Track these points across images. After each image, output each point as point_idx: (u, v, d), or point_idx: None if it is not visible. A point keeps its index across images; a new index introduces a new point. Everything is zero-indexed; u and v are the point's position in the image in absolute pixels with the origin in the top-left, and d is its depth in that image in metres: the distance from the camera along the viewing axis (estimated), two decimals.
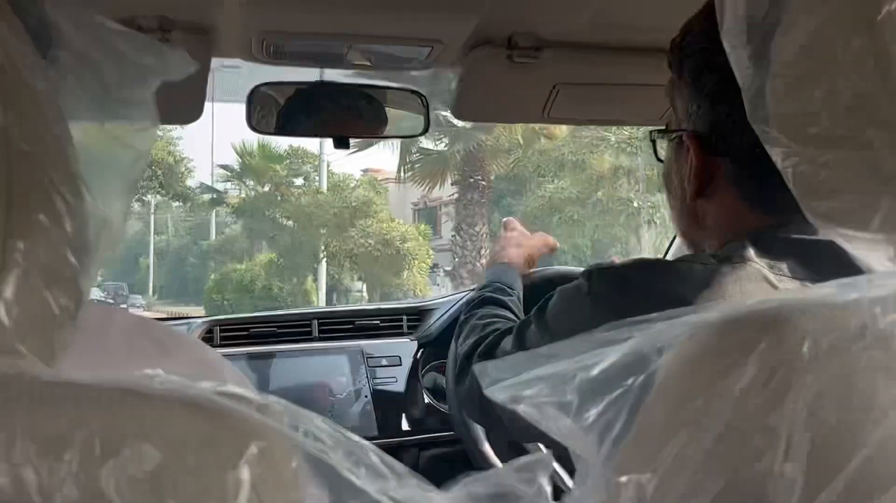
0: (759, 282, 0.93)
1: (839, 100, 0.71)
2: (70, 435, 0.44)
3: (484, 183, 18.43)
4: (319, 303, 21.85)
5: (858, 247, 0.73)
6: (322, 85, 1.56)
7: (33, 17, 0.56)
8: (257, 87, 1.52)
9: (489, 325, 1.32)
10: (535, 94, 1.58)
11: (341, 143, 1.58)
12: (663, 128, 1.09)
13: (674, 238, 2.05)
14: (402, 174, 19.55)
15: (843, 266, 0.85)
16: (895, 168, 0.67)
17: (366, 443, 0.55)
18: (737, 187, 1.00)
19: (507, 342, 1.18)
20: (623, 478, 0.61)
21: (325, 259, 21.84)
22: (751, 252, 0.96)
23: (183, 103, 1.48)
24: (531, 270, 1.67)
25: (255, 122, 1.54)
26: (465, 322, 1.39)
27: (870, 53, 0.69)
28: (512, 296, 1.46)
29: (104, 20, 0.61)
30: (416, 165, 19.16)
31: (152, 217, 37.86)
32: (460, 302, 1.98)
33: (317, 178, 23.36)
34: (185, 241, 39.52)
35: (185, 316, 2.29)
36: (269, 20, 1.29)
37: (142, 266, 40.61)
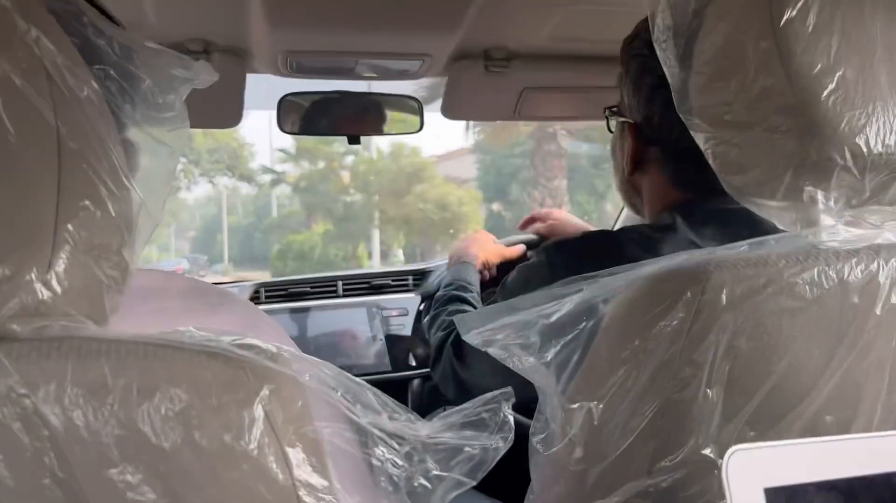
0: (686, 245, 0.91)
1: (749, 91, 0.68)
2: (111, 382, 0.41)
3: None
4: (372, 266, 19.88)
5: (767, 213, 0.71)
6: (337, 93, 1.53)
7: (81, 38, 0.53)
8: (285, 96, 1.49)
9: (450, 321, 1.26)
10: (507, 96, 1.56)
11: (353, 140, 1.55)
12: (615, 108, 1.05)
13: (623, 208, 2.01)
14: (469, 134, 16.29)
15: (755, 230, 0.82)
16: (795, 148, 0.64)
17: (363, 383, 0.53)
18: (664, 168, 0.97)
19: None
20: (575, 405, 0.59)
21: (378, 226, 19.39)
22: (678, 221, 0.93)
23: (224, 111, 1.46)
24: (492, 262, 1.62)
25: (283, 125, 1.51)
26: (434, 317, 1.33)
27: (774, 53, 0.66)
28: (472, 292, 1.39)
29: (140, 41, 0.58)
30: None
31: (224, 200, 38.09)
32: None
33: (366, 153, 21.11)
34: (252, 220, 38.44)
35: (241, 280, 2.27)
36: (291, 41, 1.26)
37: (218, 241, 40.25)
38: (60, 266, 0.44)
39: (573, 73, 1.51)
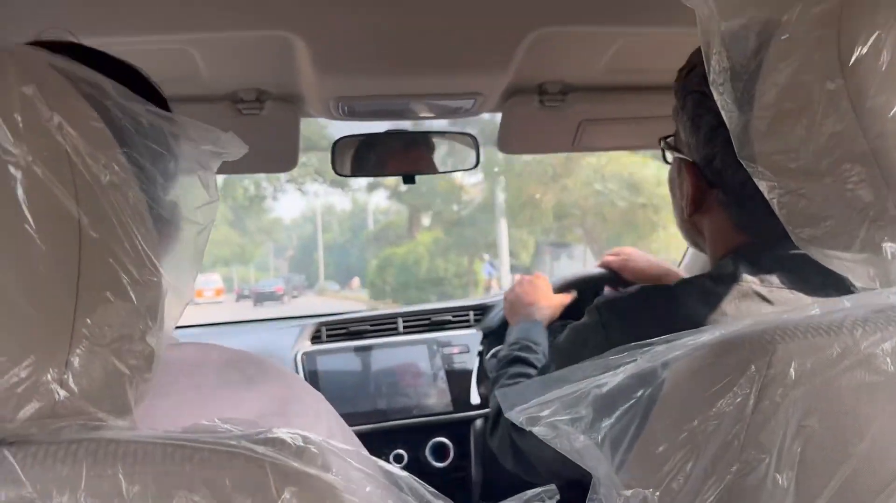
0: (752, 298, 0.84)
1: (817, 137, 0.63)
2: (126, 489, 0.40)
3: None
4: (502, 286, 15.91)
5: (841, 268, 0.65)
6: (390, 133, 1.52)
7: (108, 118, 0.53)
8: (339, 139, 1.50)
9: (497, 392, 1.24)
10: (564, 129, 1.53)
11: (408, 180, 1.54)
12: (670, 139, 1.00)
13: (687, 248, 1.93)
14: None
15: (827, 276, 0.76)
16: (870, 199, 0.59)
17: (396, 470, 0.50)
18: (727, 211, 0.92)
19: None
20: (629, 492, 0.54)
21: (506, 227, 15.18)
22: (742, 269, 0.87)
23: (279, 155, 1.47)
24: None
25: (338, 167, 1.51)
26: (496, 380, 1.31)
27: (844, 94, 0.61)
28: (538, 353, 1.36)
29: (171, 116, 0.57)
30: None
31: (318, 218, 38.16)
32: None
33: None
34: (348, 236, 39.24)
35: (296, 316, 2.30)
36: (341, 88, 1.26)
37: (314, 260, 40.58)
38: (78, 363, 0.43)
39: (632, 103, 1.47)
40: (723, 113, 0.72)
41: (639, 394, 0.60)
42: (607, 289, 1.71)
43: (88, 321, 0.44)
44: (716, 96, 0.73)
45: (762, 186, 0.71)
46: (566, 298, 1.65)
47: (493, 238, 17.59)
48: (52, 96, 0.48)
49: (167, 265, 0.53)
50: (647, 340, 0.61)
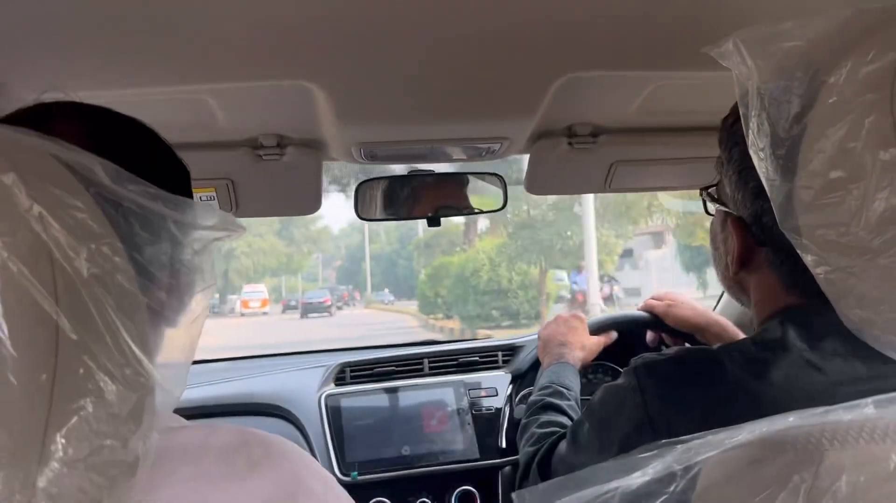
0: (802, 366, 0.78)
1: (870, 211, 0.57)
2: None
3: None
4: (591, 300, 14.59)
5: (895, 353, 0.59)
6: (413, 176, 1.50)
7: (99, 202, 0.50)
8: (361, 182, 1.48)
9: (546, 433, 1.20)
10: (595, 171, 1.48)
11: (433, 222, 1.51)
12: (713, 190, 0.95)
13: (723, 293, 1.86)
14: None
15: None
16: None
17: None
18: (776, 271, 0.86)
19: (563, 447, 1.07)
20: None
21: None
22: (791, 335, 0.81)
23: (302, 199, 1.46)
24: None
25: (361, 212, 1.49)
26: (526, 427, 1.28)
27: None
28: (570, 399, 1.32)
29: (167, 196, 0.54)
30: None
31: (366, 227, 38.11)
32: None
33: None
34: (395, 246, 39.64)
35: (319, 349, 2.29)
36: (363, 134, 1.24)
37: (362, 270, 40.92)
38: (48, 485, 0.39)
39: (668, 145, 1.42)
40: (763, 181, 0.67)
41: (667, 498, 0.54)
42: (649, 336, 1.65)
43: (61, 436, 0.40)
44: (755, 162, 0.68)
45: (807, 261, 0.65)
46: (603, 340, 1.60)
47: (570, 242, 15.77)
48: (33, 184, 0.45)
49: (160, 357, 0.49)
50: (676, 439, 0.56)
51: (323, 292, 33.66)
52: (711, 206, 0.96)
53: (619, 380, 0.91)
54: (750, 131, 0.66)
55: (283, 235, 37.31)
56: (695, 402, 0.81)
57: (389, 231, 40.40)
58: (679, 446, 0.56)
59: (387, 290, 35.32)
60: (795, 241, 0.65)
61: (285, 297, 35.84)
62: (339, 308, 32.43)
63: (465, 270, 16.62)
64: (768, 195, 0.66)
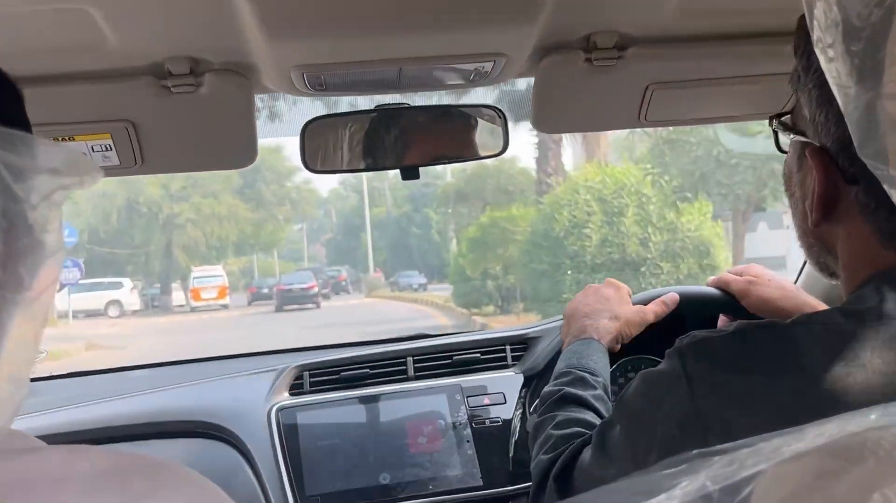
0: None
1: None
2: None
3: None
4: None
5: None
6: (380, 113, 1.46)
7: None
8: (308, 123, 1.44)
9: (566, 436, 1.20)
10: (625, 98, 1.46)
11: (409, 174, 1.48)
12: (786, 117, 0.94)
13: (805, 263, 1.83)
14: None
15: None
16: None
17: None
18: (870, 219, 0.84)
19: (587, 455, 1.07)
20: None
21: None
22: (891, 302, 0.80)
23: (232, 146, 1.44)
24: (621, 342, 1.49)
25: (310, 162, 1.46)
26: (539, 427, 1.27)
27: None
28: (596, 388, 1.30)
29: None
30: None
31: (364, 187, 37.27)
32: None
33: None
34: (405, 208, 38.50)
35: (273, 350, 2.28)
36: (304, 53, 1.21)
37: (362, 243, 39.32)
38: None
39: (719, 60, 1.38)
40: (833, 88, 0.64)
41: None
42: (722, 320, 1.63)
43: None
44: (822, 63, 0.65)
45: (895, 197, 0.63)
46: (651, 310, 1.55)
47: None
48: None
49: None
50: (722, 446, 0.53)
51: (305, 275, 32.25)
52: (785, 139, 0.94)
53: (660, 366, 0.91)
54: (815, 21, 0.63)
55: (248, 195, 35.70)
56: (760, 393, 0.80)
57: (396, 188, 39.26)
58: (717, 458, 0.54)
59: (417, 274, 34.42)
60: (880, 173, 0.62)
61: (254, 284, 34.82)
62: (327, 297, 31.32)
63: (546, 227, 12.99)
64: (841, 109, 0.63)
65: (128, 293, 29.41)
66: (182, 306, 31.64)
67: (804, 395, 0.78)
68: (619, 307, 1.51)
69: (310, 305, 27.87)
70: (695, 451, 0.54)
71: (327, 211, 48.82)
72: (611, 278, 1.62)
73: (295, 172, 36.15)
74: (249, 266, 41.52)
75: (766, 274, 1.58)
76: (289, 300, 27.91)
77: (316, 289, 28.98)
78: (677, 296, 1.60)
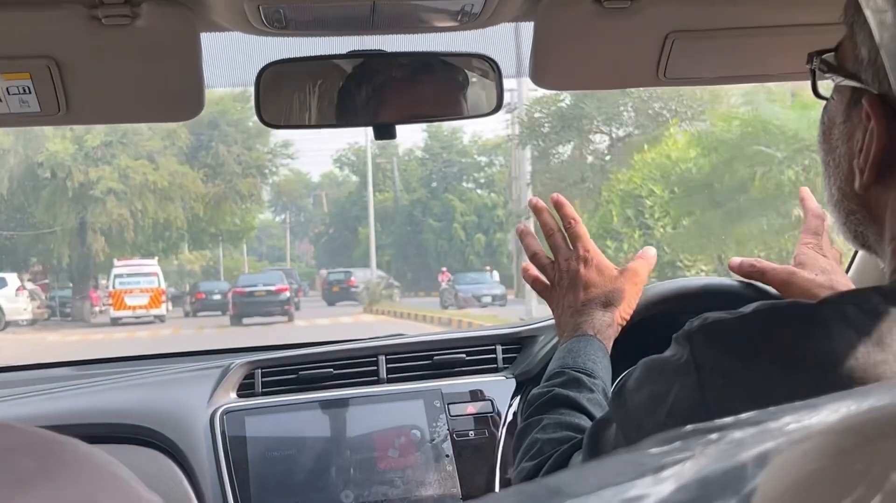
0: None
1: None
2: None
3: None
4: None
5: None
6: (352, 57, 1.47)
7: None
8: (266, 67, 1.45)
9: (553, 441, 1.21)
10: (641, 49, 1.47)
11: (383, 133, 1.48)
12: (830, 55, 0.94)
13: (856, 253, 1.83)
14: None
15: None
16: None
17: None
18: None
19: (577, 461, 1.09)
20: None
21: None
22: None
23: (172, 93, 1.45)
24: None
25: (265, 114, 1.46)
26: (524, 432, 1.28)
27: None
28: (593, 390, 1.31)
29: None
30: None
31: (369, 159, 33.91)
32: None
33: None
34: (419, 192, 37.06)
35: (220, 349, 2.28)
36: None
37: (361, 236, 37.68)
38: None
39: (750, 4, 1.40)
40: (872, 25, 0.65)
41: None
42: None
43: None
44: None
45: None
46: (639, 266, 1.52)
47: None
48: None
49: None
50: (721, 420, 0.54)
51: (274, 275, 29.16)
52: (825, 85, 0.95)
53: (666, 352, 0.92)
54: None
55: (201, 160, 30.41)
56: (780, 384, 0.82)
57: (409, 167, 37.10)
58: (715, 436, 0.55)
59: (489, 278, 30.42)
60: None
61: (201, 288, 31.09)
62: (297, 307, 27.79)
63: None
64: (882, 44, 0.64)
65: (12, 294, 24.48)
66: (101, 312, 28.16)
67: (831, 386, 0.79)
68: (608, 286, 1.47)
69: (278, 317, 25.24)
70: (689, 427, 0.55)
71: (317, 199, 47.05)
72: (587, 252, 1.50)
73: (267, 134, 30.76)
74: (213, 264, 38.56)
75: (818, 261, 1.54)
76: (249, 309, 25.10)
77: (287, 295, 26.53)
78: (700, 285, 1.61)
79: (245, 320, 24.86)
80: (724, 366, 0.86)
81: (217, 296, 29.55)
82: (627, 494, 0.54)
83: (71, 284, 29.84)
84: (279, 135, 30.19)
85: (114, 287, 26.94)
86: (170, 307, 29.28)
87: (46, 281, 30.40)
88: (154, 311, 26.75)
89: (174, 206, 29.51)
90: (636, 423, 0.96)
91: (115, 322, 26.33)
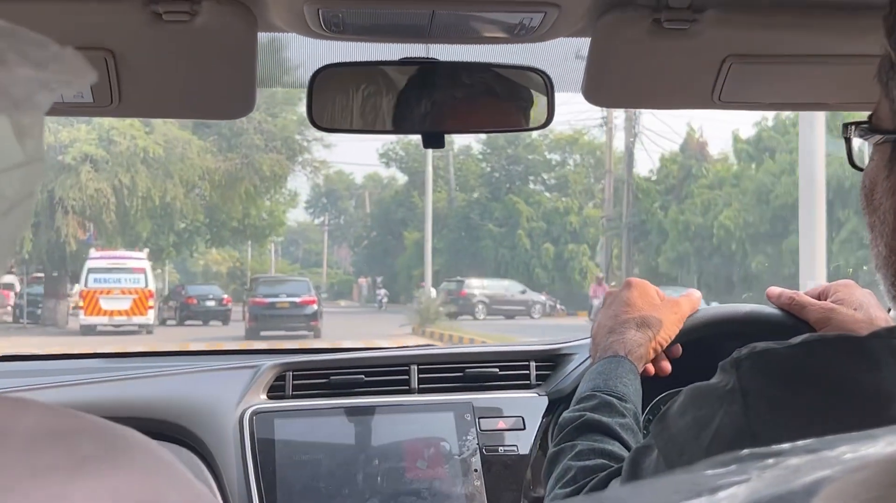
0: None
1: None
2: None
3: None
4: None
5: None
6: (405, 65, 1.49)
7: None
8: (321, 70, 1.47)
9: (588, 468, 1.21)
10: (697, 71, 1.47)
11: (432, 141, 1.51)
12: (864, 120, 0.97)
13: None
14: None
15: None
16: None
17: None
18: None
19: (616, 488, 1.08)
20: None
21: None
22: None
23: (226, 92, 1.47)
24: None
25: (317, 117, 1.48)
26: (556, 458, 1.28)
27: None
28: (625, 415, 1.31)
29: None
30: None
31: (429, 160, 27.32)
32: None
33: None
34: (479, 195, 33.32)
35: (250, 349, 2.29)
36: None
37: (407, 241, 34.47)
38: None
39: (811, 31, 1.40)
40: None
41: None
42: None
43: None
44: None
45: None
46: (685, 301, 1.55)
47: None
48: None
49: None
50: (768, 448, 0.56)
51: (300, 285, 24.91)
52: (863, 146, 0.97)
53: (712, 379, 0.94)
54: None
55: (209, 125, 25.24)
56: (828, 415, 0.83)
57: (465, 165, 32.90)
58: (772, 460, 0.56)
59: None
60: None
61: (190, 292, 26.39)
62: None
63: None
64: None
65: None
66: (71, 313, 23.22)
67: (879, 418, 0.80)
68: (647, 310, 1.49)
69: (303, 332, 22.57)
70: (745, 451, 0.57)
71: (360, 199, 44.05)
72: (632, 277, 1.60)
73: (302, 98, 22.92)
74: (240, 267, 34.57)
75: (854, 296, 1.55)
76: (269, 322, 22.33)
77: (314, 308, 23.47)
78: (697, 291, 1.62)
79: (263, 333, 22.25)
80: (771, 394, 0.88)
81: (210, 303, 26.03)
82: None
83: (42, 276, 25.20)
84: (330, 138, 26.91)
85: (86, 285, 22.18)
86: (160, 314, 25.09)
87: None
88: (138, 319, 22.21)
89: (173, 183, 24.50)
90: (679, 449, 0.97)
91: (88, 331, 21.75)
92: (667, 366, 1.51)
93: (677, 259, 28.39)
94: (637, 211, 30.22)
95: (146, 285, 22.50)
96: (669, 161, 30.88)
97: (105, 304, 21.79)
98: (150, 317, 22.56)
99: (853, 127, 0.97)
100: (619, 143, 31.51)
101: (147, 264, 23.24)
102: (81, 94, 1.40)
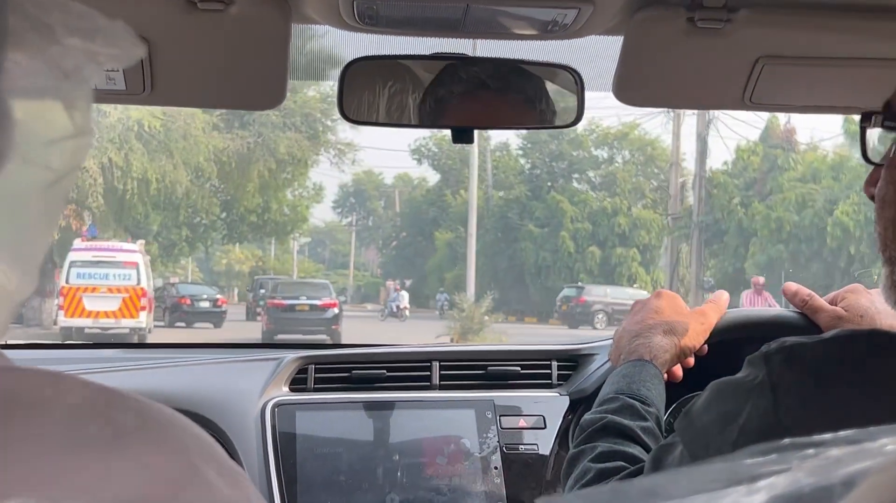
0: None
1: None
2: None
3: None
4: None
5: None
6: (437, 59, 1.50)
7: None
8: (352, 62, 1.48)
9: (607, 471, 1.22)
10: (730, 71, 1.48)
11: (462, 137, 1.51)
12: (879, 112, 1.01)
13: None
14: None
15: None
16: None
17: None
18: None
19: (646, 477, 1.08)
20: None
21: None
22: None
23: (258, 81, 1.48)
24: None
25: (347, 109, 1.49)
26: (576, 460, 1.29)
27: None
28: (647, 419, 1.32)
29: None
30: None
31: (474, 154, 24.55)
32: None
33: None
34: (518, 192, 29.90)
35: (281, 343, 2.30)
36: None
37: (438, 243, 32.36)
38: None
39: (846, 34, 1.40)
40: None
41: None
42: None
43: None
44: None
45: None
46: (710, 310, 1.57)
47: None
48: None
49: None
50: (809, 437, 0.56)
51: (320, 286, 23.87)
52: (876, 143, 0.99)
53: (740, 374, 0.94)
54: None
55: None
56: (859, 409, 0.83)
57: (502, 160, 30.24)
58: (812, 451, 0.57)
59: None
60: None
61: (183, 292, 24.47)
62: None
63: None
64: None
65: None
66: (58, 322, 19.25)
67: None
68: (674, 317, 1.51)
69: (322, 337, 20.72)
70: (786, 440, 0.57)
71: (389, 199, 42.69)
72: (662, 289, 1.64)
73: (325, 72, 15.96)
74: (262, 266, 33.16)
75: (860, 303, 1.58)
76: (287, 326, 21.33)
77: (335, 311, 22.57)
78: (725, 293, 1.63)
79: (279, 337, 20.69)
80: (801, 388, 0.88)
81: (205, 303, 24.16)
82: (721, 502, 0.56)
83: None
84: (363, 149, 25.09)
85: (67, 281, 19.09)
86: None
87: None
88: (128, 322, 19.09)
89: (173, 163, 21.85)
90: (704, 443, 0.97)
91: (68, 335, 18.57)
92: (678, 372, 1.51)
93: (769, 264, 25.97)
94: (710, 208, 28.11)
95: (138, 282, 19.34)
96: (747, 152, 28.76)
97: (89, 304, 18.80)
98: (143, 319, 19.36)
99: (868, 120, 1.02)
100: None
101: (140, 257, 20.01)
102: (114, 80, 1.41)
